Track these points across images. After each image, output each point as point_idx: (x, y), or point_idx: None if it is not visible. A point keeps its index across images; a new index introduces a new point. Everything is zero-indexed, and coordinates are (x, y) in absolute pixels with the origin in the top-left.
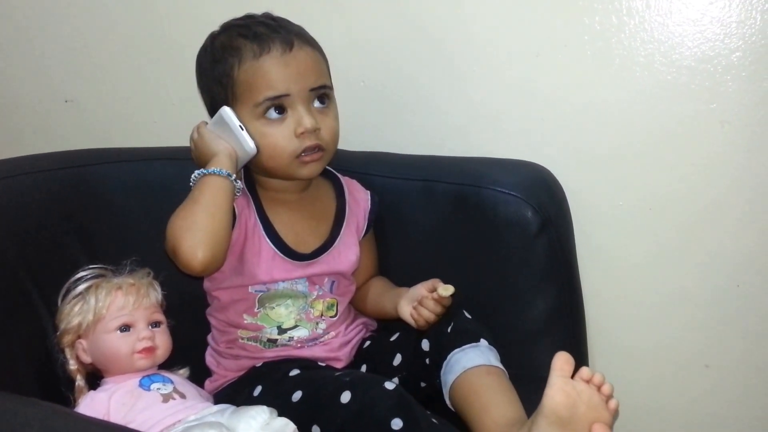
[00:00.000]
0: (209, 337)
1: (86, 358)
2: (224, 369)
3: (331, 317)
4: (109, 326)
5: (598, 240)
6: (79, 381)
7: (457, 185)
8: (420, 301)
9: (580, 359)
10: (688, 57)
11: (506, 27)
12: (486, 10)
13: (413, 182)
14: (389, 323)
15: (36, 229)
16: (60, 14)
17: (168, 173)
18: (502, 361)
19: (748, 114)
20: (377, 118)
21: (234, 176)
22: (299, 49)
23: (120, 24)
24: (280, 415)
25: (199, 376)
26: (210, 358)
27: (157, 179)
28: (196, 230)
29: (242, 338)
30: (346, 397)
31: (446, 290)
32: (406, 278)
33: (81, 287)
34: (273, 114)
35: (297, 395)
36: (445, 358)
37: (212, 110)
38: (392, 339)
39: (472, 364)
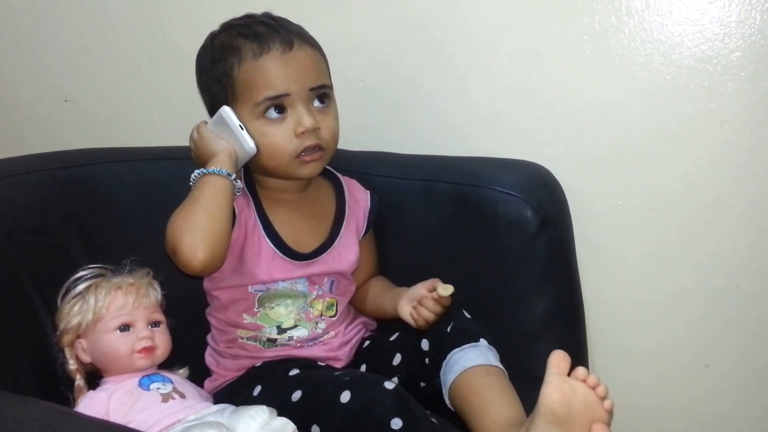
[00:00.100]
0: (209, 337)
1: (86, 358)
2: (224, 369)
3: (330, 317)
4: (108, 326)
5: (597, 240)
6: (79, 381)
7: (457, 185)
8: (419, 301)
9: (580, 359)
10: (687, 57)
11: (506, 27)
12: (486, 10)
13: (413, 182)
14: (389, 323)
15: (35, 229)
16: (60, 14)
17: (168, 173)
18: (502, 361)
19: (747, 114)
20: (377, 118)
21: (234, 176)
22: (299, 48)
23: (120, 24)
24: (279, 414)
25: (199, 375)
26: (209, 358)
27: (157, 179)
28: (196, 230)
29: (242, 338)
30: (345, 396)
31: (446, 290)
32: (405, 278)
33: (80, 287)
34: (273, 113)
35: (296, 395)
36: (444, 358)
37: (212, 110)
38: (392, 339)
39: (472, 363)
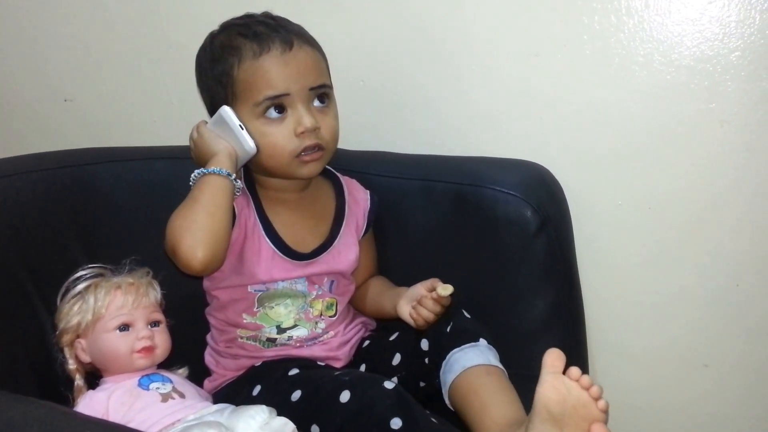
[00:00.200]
0: (208, 337)
1: (85, 358)
2: (223, 368)
3: (330, 317)
4: (108, 325)
5: (597, 239)
6: (78, 380)
7: (457, 185)
8: (419, 301)
9: (580, 359)
10: (687, 56)
11: (505, 27)
12: (486, 10)
13: (413, 182)
14: (388, 323)
15: (35, 228)
16: (60, 14)
17: (167, 172)
18: (502, 361)
19: (747, 113)
20: (377, 118)
21: (234, 176)
22: (299, 48)
23: (120, 24)
24: (279, 414)
25: (199, 375)
26: (209, 358)
27: (157, 178)
28: (195, 230)
29: (241, 337)
30: (345, 396)
31: (445, 290)
32: (405, 278)
33: (80, 286)
34: (273, 113)
35: (296, 395)
36: (444, 358)
37: (212, 110)
38: (391, 338)
39: (472, 363)
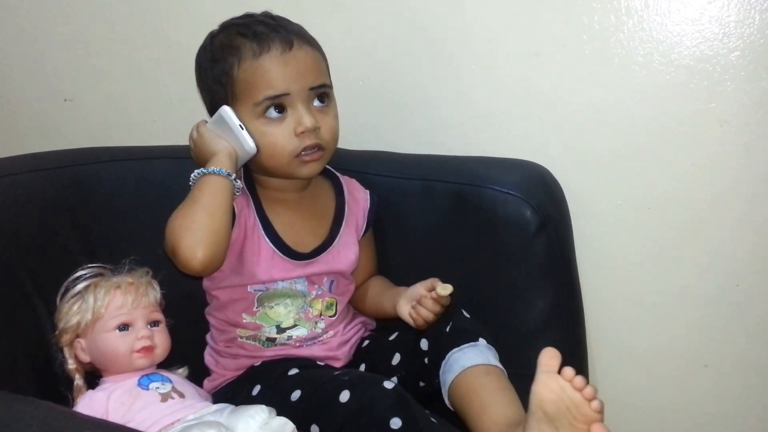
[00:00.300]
0: (208, 337)
1: (85, 358)
2: (223, 368)
3: (330, 317)
4: (107, 325)
5: (597, 239)
6: (78, 380)
7: (457, 184)
8: (419, 301)
9: (580, 358)
10: (686, 56)
11: (505, 27)
12: (485, 10)
13: (412, 181)
14: (388, 322)
15: (35, 228)
16: (60, 14)
17: (167, 172)
18: (501, 361)
19: (746, 113)
20: (376, 118)
21: (234, 176)
22: (299, 48)
23: (120, 23)
24: (279, 414)
25: (198, 375)
26: (209, 358)
27: (157, 178)
28: (195, 230)
29: (241, 337)
30: (345, 396)
31: (445, 289)
32: (405, 277)
33: (80, 286)
34: (273, 113)
35: (296, 394)
36: (443, 358)
37: (212, 109)
38: (391, 338)
39: (471, 363)
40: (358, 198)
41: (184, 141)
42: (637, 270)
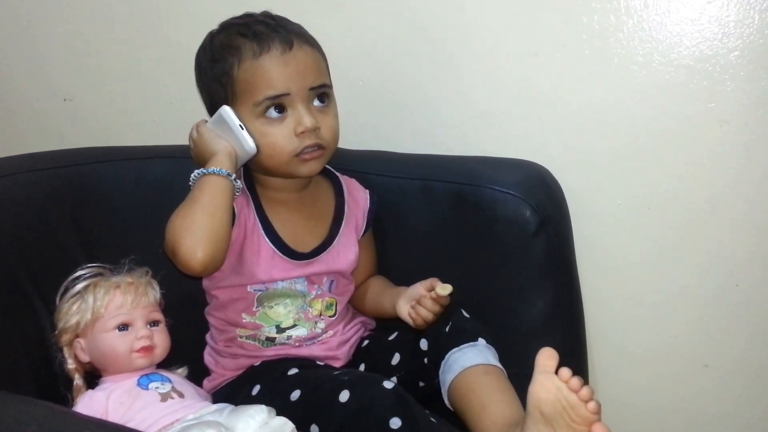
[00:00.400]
0: (208, 336)
1: (84, 357)
2: (223, 368)
3: (329, 317)
4: (107, 325)
5: (596, 239)
6: (78, 380)
7: (456, 184)
8: (418, 301)
9: (579, 358)
10: (686, 56)
11: (505, 27)
12: (485, 10)
13: (412, 181)
14: (388, 322)
15: (34, 228)
16: (60, 14)
17: (167, 172)
18: (501, 360)
19: (746, 113)
20: (376, 117)
21: (234, 176)
22: (299, 48)
23: (119, 23)
24: (278, 414)
25: (198, 375)
26: (208, 357)
27: (156, 178)
28: (195, 230)
29: (241, 337)
30: (344, 396)
31: (444, 289)
32: (404, 277)
33: (79, 286)
34: (273, 113)
35: (295, 394)
36: (443, 358)
37: (211, 109)
38: (391, 338)
39: (471, 363)
40: (358, 198)
41: (183, 141)
42: (637, 270)
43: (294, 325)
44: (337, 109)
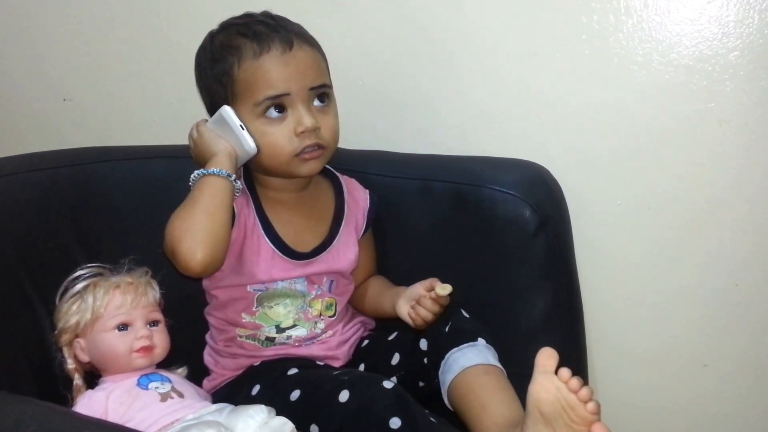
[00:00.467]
0: (207, 336)
1: (84, 357)
2: (222, 368)
3: (329, 317)
4: (106, 325)
5: (596, 239)
6: (77, 380)
7: (456, 184)
8: (418, 301)
9: (579, 358)
10: (686, 56)
11: (505, 26)
12: (485, 10)
13: (412, 181)
14: (387, 322)
15: (34, 228)
16: (60, 14)
17: (167, 172)
18: (501, 360)
19: (746, 113)
20: (376, 117)
21: (234, 176)
22: (299, 48)
23: (119, 23)
24: (278, 414)
25: (198, 375)
26: (208, 357)
27: (156, 178)
28: (195, 231)
29: (240, 337)
30: (344, 396)
31: (444, 289)
32: (404, 277)
33: (79, 286)
34: (273, 113)
35: (295, 394)
36: (443, 358)
37: (211, 109)
38: (390, 338)
39: (470, 363)
40: (358, 198)
41: (183, 141)
42: (637, 270)
43: (294, 325)
44: (337, 109)
